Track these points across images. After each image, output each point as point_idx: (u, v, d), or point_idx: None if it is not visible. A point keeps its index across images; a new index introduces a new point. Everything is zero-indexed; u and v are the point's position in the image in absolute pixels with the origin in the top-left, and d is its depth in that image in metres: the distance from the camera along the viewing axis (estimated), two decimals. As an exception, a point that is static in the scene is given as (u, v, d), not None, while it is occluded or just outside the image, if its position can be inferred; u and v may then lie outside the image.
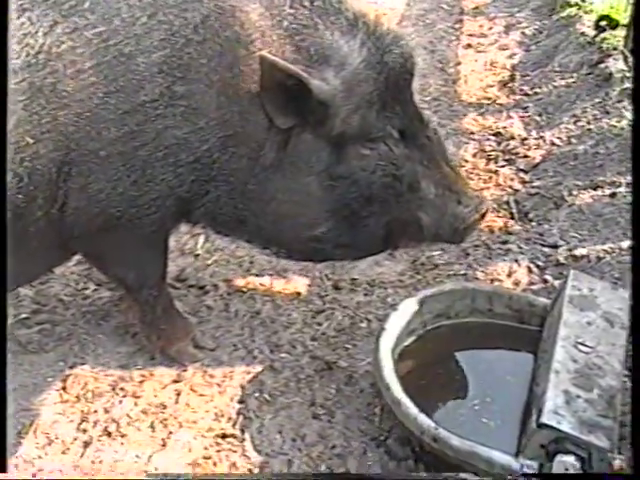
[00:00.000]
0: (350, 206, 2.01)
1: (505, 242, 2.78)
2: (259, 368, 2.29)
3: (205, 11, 1.87)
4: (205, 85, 1.88)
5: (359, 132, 1.94)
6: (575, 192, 2.90)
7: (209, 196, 2.01)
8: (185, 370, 2.28)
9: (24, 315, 2.53)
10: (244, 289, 2.60)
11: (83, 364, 2.32)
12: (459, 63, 4.21)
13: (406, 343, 2.19)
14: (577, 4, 4.24)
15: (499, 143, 3.39)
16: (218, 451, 2.05)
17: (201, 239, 2.79)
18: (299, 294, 2.59)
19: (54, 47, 1.79)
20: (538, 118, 3.51)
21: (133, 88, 1.84)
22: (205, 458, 2.03)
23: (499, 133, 3.46)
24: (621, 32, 3.66)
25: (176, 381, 2.26)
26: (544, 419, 1.73)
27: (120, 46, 1.82)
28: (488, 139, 3.43)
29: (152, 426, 2.13)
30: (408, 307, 2.19)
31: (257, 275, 2.66)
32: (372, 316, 2.48)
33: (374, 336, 2.35)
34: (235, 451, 2.05)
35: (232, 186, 1.99)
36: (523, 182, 3.10)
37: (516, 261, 2.66)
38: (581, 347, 1.93)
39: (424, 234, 2.08)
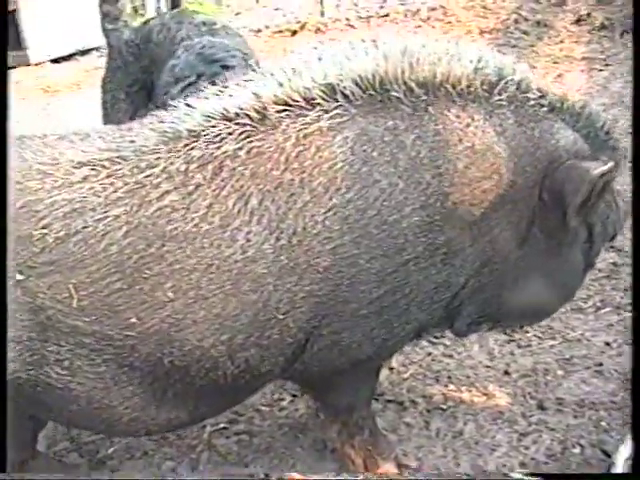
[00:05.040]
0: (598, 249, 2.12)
1: None
2: (466, 495, 2.18)
3: (454, 158, 1.82)
4: (460, 228, 1.85)
5: None
6: None
7: (462, 314, 2.02)
8: None
9: (222, 425, 2.55)
10: (444, 406, 2.51)
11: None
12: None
13: None
14: None
15: None
16: None
17: (395, 351, 2.75)
18: (502, 413, 2.46)
19: (308, 228, 1.75)
20: None
21: (395, 251, 1.81)
22: None
23: None
24: None
25: (380, 504, 2.18)
26: None
27: (380, 216, 1.78)
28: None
29: None
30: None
31: (456, 391, 2.57)
32: (585, 441, 2.30)
33: (589, 464, 2.19)
34: None
35: (486, 294, 2.00)
36: None
37: None
38: None
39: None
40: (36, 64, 7.11)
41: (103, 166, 1.77)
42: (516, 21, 6.22)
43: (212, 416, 2.19)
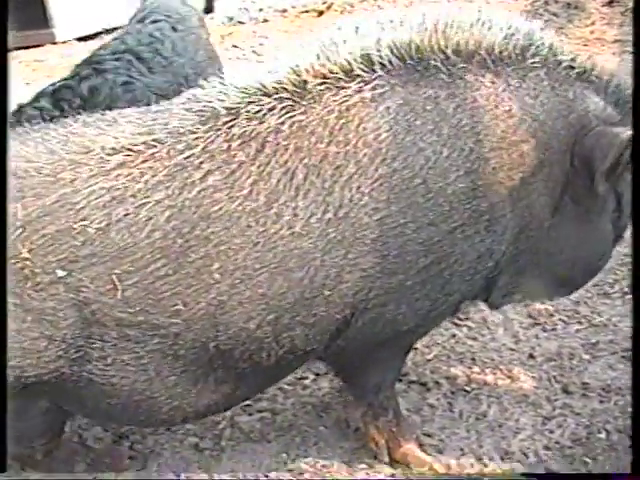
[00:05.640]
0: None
1: None
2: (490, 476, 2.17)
3: (492, 123, 1.82)
4: (501, 193, 1.85)
5: None
6: None
7: (498, 284, 2.02)
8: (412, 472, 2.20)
9: (245, 402, 2.55)
10: (467, 388, 2.50)
11: (306, 457, 2.30)
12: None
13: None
14: None
15: None
16: None
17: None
18: (526, 396, 2.45)
19: (355, 200, 1.75)
20: None
21: (442, 219, 1.80)
22: None
23: None
24: None
25: (403, 483, 2.18)
26: None
27: (426, 184, 1.78)
28: None
29: (379, 531, 2.06)
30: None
31: (480, 373, 2.55)
32: (611, 427, 2.28)
33: (614, 450, 2.17)
34: None
35: (522, 262, 2.00)
36: None
37: None
38: None
39: None
40: (62, 42, 7.12)
41: (139, 151, 1.74)
42: (546, 2, 6.10)
43: (246, 399, 2.18)
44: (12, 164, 1.72)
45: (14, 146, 1.77)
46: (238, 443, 2.39)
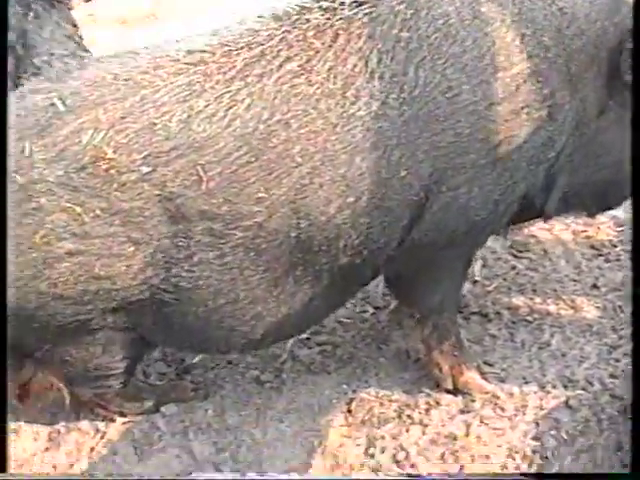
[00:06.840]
0: None
1: None
2: (553, 404, 2.14)
3: (548, 18, 1.90)
4: (562, 80, 1.91)
5: None
6: None
7: (557, 183, 2.04)
8: (473, 400, 2.18)
9: (304, 335, 2.56)
10: (529, 318, 2.46)
11: (367, 388, 2.30)
12: None
13: None
14: None
15: None
16: (516, 491, 1.94)
17: (478, 264, 2.69)
18: (590, 326, 2.40)
19: (429, 79, 1.82)
20: None
21: (510, 98, 1.86)
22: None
23: None
24: None
25: (463, 411, 2.16)
26: None
27: (494, 63, 1.85)
28: None
29: (442, 457, 2.05)
30: None
31: (542, 303, 2.51)
32: (680, 355, 2.22)
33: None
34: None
35: (576, 161, 2.03)
36: None
37: None
38: None
39: None
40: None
41: (214, 51, 1.82)
42: None
43: (320, 318, 2.23)
44: (91, 74, 1.81)
45: (93, 64, 1.89)
46: (299, 375, 2.41)
